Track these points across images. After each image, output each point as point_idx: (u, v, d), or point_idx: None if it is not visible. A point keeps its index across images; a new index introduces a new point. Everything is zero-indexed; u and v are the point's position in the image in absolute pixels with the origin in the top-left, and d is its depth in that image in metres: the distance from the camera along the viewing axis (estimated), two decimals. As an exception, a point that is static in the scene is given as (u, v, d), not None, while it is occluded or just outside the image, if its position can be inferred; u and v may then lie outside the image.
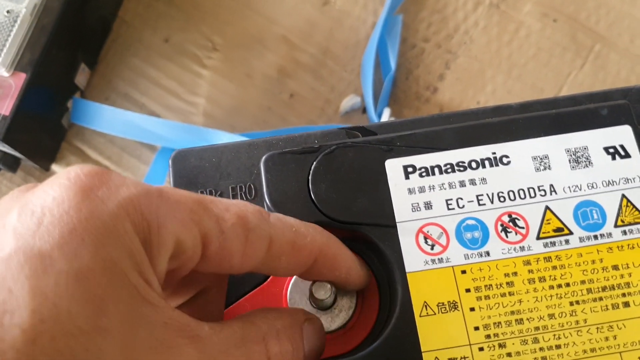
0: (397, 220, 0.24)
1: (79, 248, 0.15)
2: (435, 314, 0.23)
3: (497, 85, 0.45)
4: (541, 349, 0.22)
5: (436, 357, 0.22)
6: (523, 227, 0.23)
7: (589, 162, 0.24)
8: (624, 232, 0.23)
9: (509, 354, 0.22)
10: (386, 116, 0.44)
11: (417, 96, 0.45)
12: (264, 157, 0.25)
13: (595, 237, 0.23)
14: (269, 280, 0.25)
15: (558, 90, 0.44)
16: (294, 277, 0.24)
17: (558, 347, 0.22)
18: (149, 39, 0.47)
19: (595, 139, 0.24)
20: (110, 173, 0.17)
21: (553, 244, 0.23)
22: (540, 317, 0.22)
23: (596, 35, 0.45)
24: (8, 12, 0.39)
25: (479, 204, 0.24)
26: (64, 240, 0.15)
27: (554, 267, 0.23)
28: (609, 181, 0.24)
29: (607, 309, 0.22)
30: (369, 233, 0.24)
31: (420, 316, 0.23)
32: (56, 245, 0.15)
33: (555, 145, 0.24)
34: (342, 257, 0.22)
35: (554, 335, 0.22)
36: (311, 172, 0.24)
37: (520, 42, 0.45)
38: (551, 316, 0.22)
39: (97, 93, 0.46)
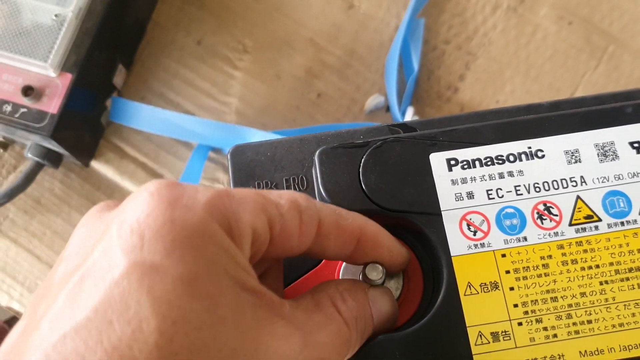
0: (442, 209, 0.26)
1: (184, 255, 0.17)
2: (478, 293, 0.25)
3: (516, 86, 0.47)
4: (574, 323, 0.25)
5: (479, 331, 0.24)
6: (557, 215, 0.26)
7: (616, 155, 0.26)
8: (649, 219, 0.25)
9: (545, 328, 0.24)
10: (409, 115, 0.46)
11: (438, 95, 0.47)
12: (317, 151, 0.27)
13: (622, 223, 0.26)
14: (321, 264, 0.27)
15: (574, 90, 0.47)
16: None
17: (589, 322, 0.25)
18: (182, 40, 0.49)
19: (621, 135, 0.27)
20: (181, 184, 0.19)
21: (584, 229, 0.26)
22: (573, 296, 0.25)
23: (610, 37, 0.47)
24: (56, 15, 0.42)
25: (517, 194, 0.26)
26: (169, 250, 0.17)
27: (585, 251, 0.25)
28: (634, 173, 0.26)
29: (634, 287, 0.25)
30: (416, 220, 0.26)
31: (464, 295, 0.25)
32: (164, 256, 0.17)
33: (585, 141, 0.27)
34: (382, 236, 0.24)
35: (586, 311, 0.25)
36: (362, 164, 0.27)
37: (537, 44, 0.48)
38: (583, 294, 0.25)
39: (133, 93, 0.48)
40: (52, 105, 0.42)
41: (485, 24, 0.48)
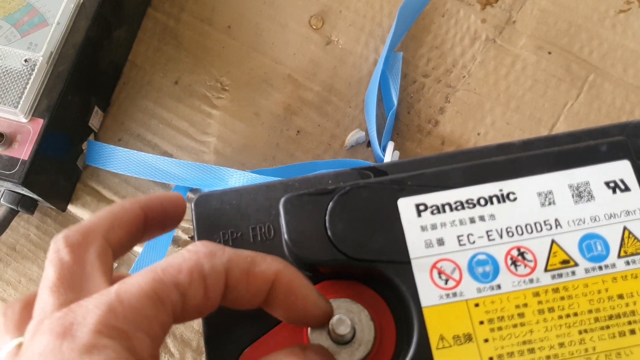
0: (411, 257, 0.25)
1: None
2: (451, 346, 0.24)
3: (496, 117, 0.46)
4: (553, 377, 0.23)
5: (454, 388, 0.23)
6: (531, 260, 0.25)
7: (591, 196, 0.25)
8: (627, 263, 0.24)
9: (523, 383, 0.23)
10: (390, 149, 0.45)
11: (419, 129, 0.47)
12: (282, 200, 0.26)
13: (600, 267, 0.25)
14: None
15: (555, 120, 0.46)
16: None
17: (569, 374, 0.23)
18: (159, 81, 0.49)
19: (596, 174, 0.26)
20: (74, 309, 0.20)
21: (560, 275, 0.25)
22: (551, 346, 0.24)
23: (590, 66, 0.47)
24: (26, 60, 0.41)
25: (489, 239, 0.25)
26: None
27: (562, 298, 0.24)
28: (610, 214, 0.25)
29: (615, 336, 0.24)
30: (385, 270, 0.25)
31: (437, 349, 0.24)
32: None
33: (559, 181, 0.26)
34: (298, 283, 0.23)
35: (565, 363, 0.23)
36: (328, 212, 0.26)
37: (517, 74, 0.47)
38: (561, 345, 0.24)
39: (110, 134, 0.48)
40: (23, 151, 0.41)
41: (464, 56, 0.48)
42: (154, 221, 0.26)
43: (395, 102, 0.46)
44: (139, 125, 0.48)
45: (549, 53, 0.47)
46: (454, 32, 0.48)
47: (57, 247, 0.23)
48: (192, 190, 0.46)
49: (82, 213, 0.46)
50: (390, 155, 0.44)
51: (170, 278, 0.21)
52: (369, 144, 0.47)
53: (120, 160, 0.46)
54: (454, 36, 0.48)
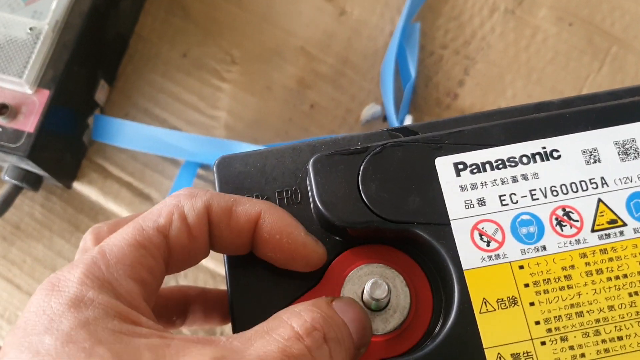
0: (450, 218, 0.23)
1: (59, 329, 0.18)
2: (495, 310, 0.22)
3: (517, 90, 0.45)
4: (603, 341, 0.22)
5: (499, 354, 0.22)
6: (577, 220, 0.23)
7: (638, 153, 0.24)
8: (679, 222, 0.23)
9: (571, 347, 0.22)
10: (408, 124, 0.44)
11: (437, 103, 0.45)
12: (312, 159, 0.25)
13: (650, 227, 0.23)
14: (320, 283, 0.25)
15: (578, 93, 0.45)
16: (347, 276, 0.24)
17: (620, 338, 0.22)
18: (166, 54, 0.47)
19: (642, 131, 0.24)
20: (63, 269, 0.20)
21: (608, 235, 0.23)
22: (600, 309, 0.22)
23: (612, 38, 0.45)
24: (31, 29, 0.40)
25: (533, 199, 0.24)
26: (47, 329, 0.18)
27: (611, 259, 0.23)
28: (659, 172, 0.24)
29: (668, 298, 0.22)
30: (423, 232, 0.23)
31: (480, 313, 0.22)
32: (42, 333, 0.18)
33: (603, 138, 0.24)
34: (283, 221, 0.23)
35: (615, 327, 0.22)
36: (360, 172, 0.24)
37: (538, 46, 0.46)
38: (611, 308, 0.22)
39: (116, 109, 0.46)
40: (28, 123, 0.39)
41: (483, 28, 0.46)
42: None
43: (413, 74, 0.44)
44: (146, 100, 0.46)
45: (570, 24, 0.46)
46: (472, 3, 0.47)
47: None
48: (203, 166, 0.45)
49: (88, 190, 0.45)
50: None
51: (150, 223, 0.21)
52: (385, 118, 0.45)
53: (128, 134, 0.44)
54: (472, 7, 0.47)
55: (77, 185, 0.45)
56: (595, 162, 0.24)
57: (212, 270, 0.42)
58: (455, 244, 0.23)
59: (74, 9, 0.41)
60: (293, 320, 0.20)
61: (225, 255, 0.25)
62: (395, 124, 0.44)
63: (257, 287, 0.24)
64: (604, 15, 0.46)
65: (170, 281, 0.42)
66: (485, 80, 0.45)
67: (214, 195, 0.22)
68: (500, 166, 0.24)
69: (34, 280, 0.43)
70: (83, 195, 0.45)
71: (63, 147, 0.43)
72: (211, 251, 0.23)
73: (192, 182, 0.43)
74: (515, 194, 0.24)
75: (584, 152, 0.24)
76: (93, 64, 0.44)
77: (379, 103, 0.45)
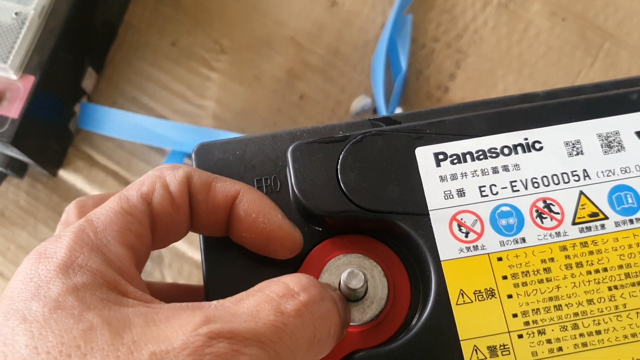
0: (429, 209, 0.23)
1: (47, 292, 0.18)
2: (472, 301, 0.22)
3: (509, 84, 0.44)
4: (581, 334, 0.22)
5: (475, 346, 0.22)
6: (558, 213, 0.23)
7: (621, 146, 0.24)
8: (661, 216, 0.23)
9: (548, 341, 0.22)
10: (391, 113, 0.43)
11: (428, 96, 0.45)
12: (290, 147, 0.24)
13: (631, 221, 0.23)
14: (298, 271, 0.24)
15: (569, 88, 0.44)
16: (325, 266, 0.24)
17: (598, 332, 0.22)
18: (155, 42, 0.47)
19: (626, 123, 0.24)
20: (49, 239, 0.20)
21: (589, 229, 0.23)
22: (579, 303, 0.22)
23: (605, 34, 0.45)
24: (16, 14, 0.39)
25: (513, 190, 0.23)
26: (34, 295, 0.18)
27: (591, 252, 0.23)
28: (642, 165, 0.23)
29: (647, 293, 0.22)
30: (401, 222, 0.23)
31: (457, 304, 0.22)
32: (29, 300, 0.18)
33: (587, 131, 0.24)
34: (260, 202, 0.23)
35: (594, 320, 0.22)
36: (340, 161, 0.24)
37: (530, 41, 0.45)
38: (590, 302, 0.22)
39: (104, 97, 0.46)
40: (13, 109, 0.39)
41: (475, 21, 0.46)
42: None
43: (404, 67, 0.44)
44: (134, 88, 0.46)
45: (563, 19, 0.46)
46: (464, -4, 0.46)
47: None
48: (189, 156, 0.44)
49: (73, 179, 0.44)
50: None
51: (134, 192, 0.21)
52: (375, 110, 0.45)
53: (114, 122, 0.44)
54: (464, 0, 0.46)
55: (62, 173, 0.44)
56: (577, 154, 0.24)
57: (197, 262, 0.42)
58: (433, 234, 0.23)
59: (61, -6, 0.41)
60: (287, 279, 0.20)
61: (201, 240, 0.24)
62: (385, 116, 0.43)
63: (234, 275, 0.24)
64: (598, 11, 0.46)
65: (155, 272, 0.42)
66: (476, 74, 0.45)
67: (195, 169, 0.23)
68: (481, 157, 0.24)
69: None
70: (69, 183, 0.44)
71: (48, 134, 0.42)
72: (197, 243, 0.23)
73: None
74: (495, 185, 0.23)
75: (567, 144, 0.24)
76: (80, 51, 0.43)
77: (369, 95, 0.45)
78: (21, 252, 0.43)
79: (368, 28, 0.46)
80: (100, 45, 0.46)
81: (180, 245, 0.42)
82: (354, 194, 0.23)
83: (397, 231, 0.24)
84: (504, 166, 0.24)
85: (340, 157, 0.24)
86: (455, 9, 0.46)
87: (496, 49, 0.45)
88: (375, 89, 0.44)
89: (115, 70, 0.46)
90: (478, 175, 0.23)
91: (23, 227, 0.44)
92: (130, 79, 0.46)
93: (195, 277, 0.42)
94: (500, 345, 0.21)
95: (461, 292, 0.22)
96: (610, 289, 0.22)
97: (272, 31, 0.46)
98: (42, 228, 0.43)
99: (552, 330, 0.22)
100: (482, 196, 0.23)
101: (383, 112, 0.43)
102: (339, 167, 0.24)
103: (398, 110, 0.43)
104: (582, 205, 0.23)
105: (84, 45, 0.44)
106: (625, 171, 0.23)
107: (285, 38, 0.46)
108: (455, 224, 0.23)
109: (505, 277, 0.22)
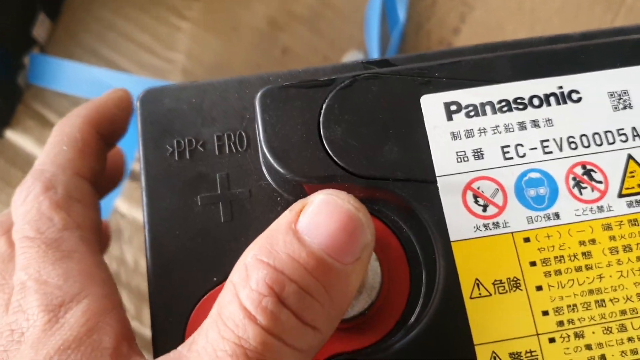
0: (437, 174, 0.18)
1: None
2: (490, 294, 0.17)
3: (520, 41, 0.39)
4: (630, 339, 0.17)
5: (493, 352, 0.17)
6: (601, 182, 0.18)
7: (681, 99, 0.19)
8: None
9: (588, 346, 0.17)
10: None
11: (427, 54, 0.40)
12: (259, 93, 0.19)
13: (694, 194, 0.18)
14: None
15: (588, 47, 0.39)
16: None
17: (652, 337, 0.17)
18: (119, -13, 0.41)
19: (688, 70, 0.19)
20: None
21: (639, 202, 0.18)
22: (628, 298, 0.17)
23: (630, -15, 0.40)
24: (-53, -58, 0.33)
25: (545, 152, 0.18)
26: None
27: (643, 233, 0.18)
28: None
29: None
30: (400, 191, 0.18)
31: (470, 298, 0.17)
32: None
33: (637, 79, 0.19)
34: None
35: (646, 321, 0.17)
36: (323, 111, 0.19)
37: (545, -8, 0.40)
38: (641, 297, 0.17)
39: (59, 49, 0.41)
40: (-57, 55, 0.33)
41: (483, -31, 0.41)
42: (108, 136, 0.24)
43: (403, 19, 0.39)
44: (94, 39, 0.41)
45: (583, -31, 0.40)
46: (472, -61, 0.41)
47: None
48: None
49: (22, 140, 0.39)
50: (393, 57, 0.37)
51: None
52: (367, 69, 0.40)
53: (70, 77, 0.39)
54: (472, -56, 0.41)
55: (10, 134, 0.40)
56: (625, 108, 0.19)
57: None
58: (442, 207, 0.18)
59: None
60: (242, 293, 0.15)
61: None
62: (379, 75, 0.38)
63: (179, 276, 0.19)
64: (622, -40, 0.40)
65: (113, 247, 0.37)
66: (483, 29, 0.40)
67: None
68: (505, 109, 0.19)
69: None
70: (17, 145, 0.40)
71: (-9, 88, 0.37)
72: None
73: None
74: (522, 145, 0.18)
75: (612, 94, 0.19)
76: (29, -8, 0.38)
77: (362, 51, 0.40)
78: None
79: (362, -26, 0.41)
80: (54, -12, 0.40)
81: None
82: (340, 154, 0.18)
83: (396, 203, 0.19)
84: (534, 121, 0.18)
85: (324, 106, 0.19)
86: (461, -46, 0.41)
87: (506, 3, 0.40)
88: (369, 44, 0.40)
89: (72, 18, 0.41)
90: (500, 132, 0.18)
91: (-37, 194, 0.38)
92: (89, 27, 0.41)
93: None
94: (527, 352, 0.17)
95: (476, 282, 0.17)
96: (667, 280, 0.17)
97: (252, -24, 0.41)
98: (-14, 196, 0.38)
99: (593, 332, 0.17)
100: (506, 159, 0.18)
101: (377, 70, 0.38)
102: (321, 119, 0.19)
103: (394, 69, 0.38)
104: (631, 172, 0.18)
105: (33, -14, 0.38)
106: (687, 131, 0.18)
107: (267, -16, 0.41)
108: (470, 195, 0.18)
109: (533, 264, 0.17)
